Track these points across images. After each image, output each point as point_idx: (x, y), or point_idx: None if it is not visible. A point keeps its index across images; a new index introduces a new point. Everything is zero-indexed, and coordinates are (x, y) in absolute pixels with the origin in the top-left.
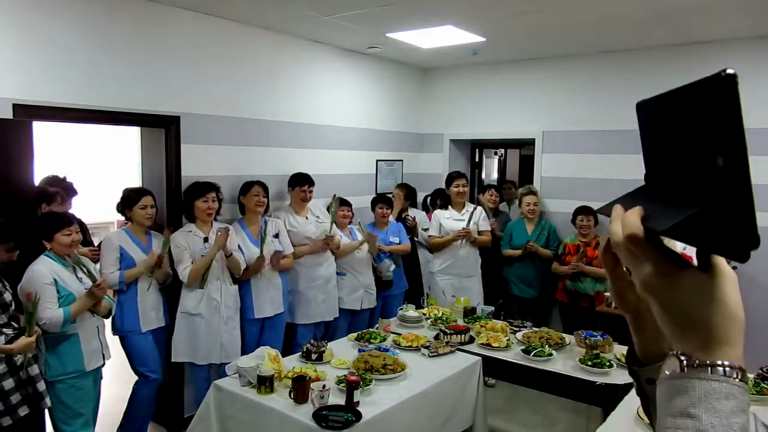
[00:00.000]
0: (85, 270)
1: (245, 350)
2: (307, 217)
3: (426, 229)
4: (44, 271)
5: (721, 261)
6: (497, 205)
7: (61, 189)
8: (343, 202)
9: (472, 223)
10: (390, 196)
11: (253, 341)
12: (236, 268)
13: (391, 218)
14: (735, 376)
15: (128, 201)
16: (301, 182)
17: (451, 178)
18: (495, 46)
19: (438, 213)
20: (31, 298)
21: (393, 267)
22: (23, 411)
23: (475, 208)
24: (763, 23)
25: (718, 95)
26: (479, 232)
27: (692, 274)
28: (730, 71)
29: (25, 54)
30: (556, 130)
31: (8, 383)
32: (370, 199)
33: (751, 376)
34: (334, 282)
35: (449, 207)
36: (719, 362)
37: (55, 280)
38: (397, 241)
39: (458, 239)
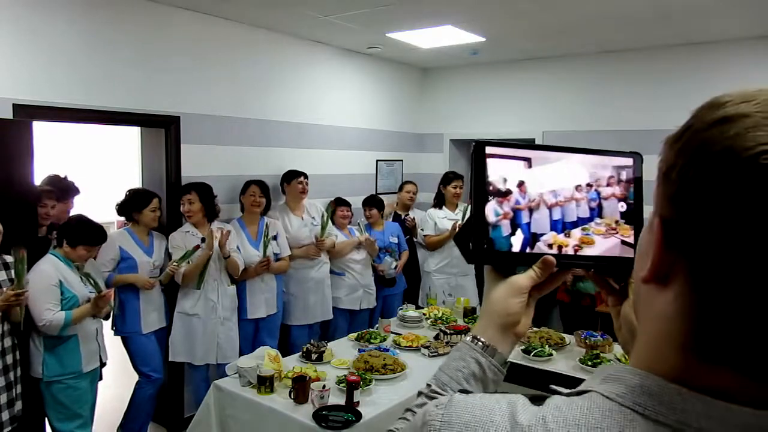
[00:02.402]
0: (91, 281)
1: (240, 350)
2: (302, 218)
3: (422, 229)
4: (50, 271)
5: (517, 276)
6: None
7: (60, 189)
8: (343, 202)
9: (465, 220)
10: (382, 196)
11: (248, 341)
12: (234, 269)
13: (388, 218)
14: (468, 339)
15: (138, 203)
16: (296, 174)
17: (449, 178)
18: (495, 46)
19: (432, 212)
20: (21, 253)
21: (395, 264)
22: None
23: (466, 207)
24: (763, 23)
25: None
26: None
27: (492, 277)
28: (479, 139)
29: (25, 54)
30: (556, 130)
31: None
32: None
33: None
34: (327, 283)
35: (443, 206)
36: (469, 333)
37: (60, 281)
38: (396, 242)
39: (454, 234)
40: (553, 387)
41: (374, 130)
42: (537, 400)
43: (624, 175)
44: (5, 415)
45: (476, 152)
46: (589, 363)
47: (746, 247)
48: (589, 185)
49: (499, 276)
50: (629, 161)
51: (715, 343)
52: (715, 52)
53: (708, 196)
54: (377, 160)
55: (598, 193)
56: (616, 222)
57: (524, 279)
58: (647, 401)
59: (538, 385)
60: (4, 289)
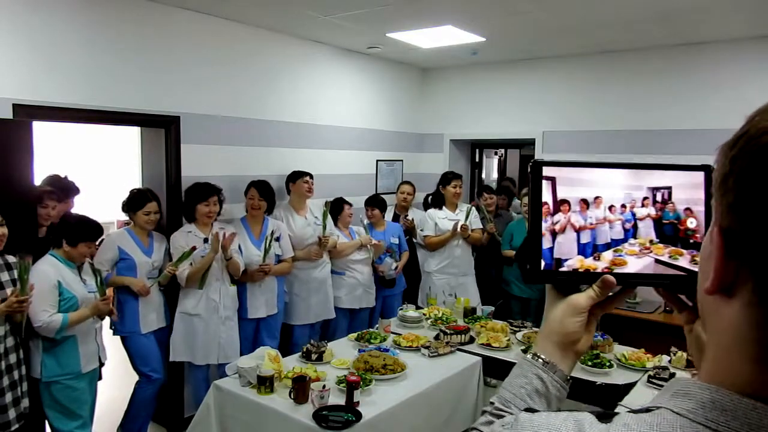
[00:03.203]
0: (98, 280)
1: (240, 351)
2: (306, 217)
3: (422, 230)
4: (50, 272)
5: (576, 295)
6: (496, 205)
7: (59, 189)
8: (346, 202)
9: (468, 220)
10: (383, 197)
11: (248, 341)
12: (235, 270)
13: (388, 218)
14: (529, 357)
15: (133, 204)
16: (302, 174)
17: (448, 178)
18: (495, 46)
19: (432, 213)
20: (27, 260)
21: (395, 266)
22: (12, 414)
23: (470, 209)
24: (763, 23)
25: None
26: (471, 230)
27: (552, 296)
28: (537, 158)
29: (25, 54)
30: (556, 130)
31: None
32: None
33: None
34: (329, 283)
35: (443, 207)
36: (530, 350)
37: (59, 282)
38: (397, 242)
39: (457, 234)
40: (621, 404)
41: (374, 130)
42: (604, 418)
43: (659, 196)
44: (12, 413)
45: (533, 172)
46: (589, 363)
47: None
48: (623, 206)
49: (559, 295)
50: (666, 181)
51: None
52: (715, 52)
53: None
54: (377, 160)
55: (633, 214)
56: (651, 242)
57: (583, 299)
58: (719, 417)
59: (602, 402)
60: (7, 290)
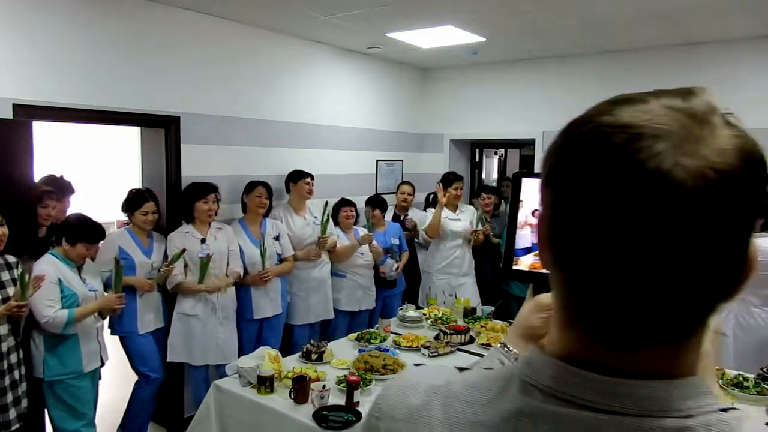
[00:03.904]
0: (116, 273)
1: (243, 350)
2: (305, 217)
3: (423, 228)
4: (50, 270)
5: (544, 294)
6: (494, 205)
7: (55, 188)
8: (347, 203)
9: (478, 225)
10: (385, 197)
11: (252, 341)
12: (236, 278)
13: (389, 218)
14: (498, 345)
15: (131, 204)
16: (303, 174)
17: (449, 180)
18: (495, 46)
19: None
20: (29, 265)
21: (396, 267)
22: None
23: (480, 215)
24: (763, 23)
25: None
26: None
27: (529, 293)
28: (514, 172)
29: (25, 54)
30: (556, 130)
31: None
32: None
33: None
34: (328, 283)
35: (443, 207)
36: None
37: (59, 279)
38: (397, 243)
39: (467, 237)
40: None
41: (374, 130)
42: (464, 370)
43: None
44: (12, 413)
45: (513, 182)
46: None
47: (578, 224)
48: None
49: (533, 293)
50: None
51: (578, 315)
52: (715, 52)
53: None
54: (377, 160)
55: None
56: None
57: (547, 298)
58: (527, 370)
59: None
60: (8, 289)
